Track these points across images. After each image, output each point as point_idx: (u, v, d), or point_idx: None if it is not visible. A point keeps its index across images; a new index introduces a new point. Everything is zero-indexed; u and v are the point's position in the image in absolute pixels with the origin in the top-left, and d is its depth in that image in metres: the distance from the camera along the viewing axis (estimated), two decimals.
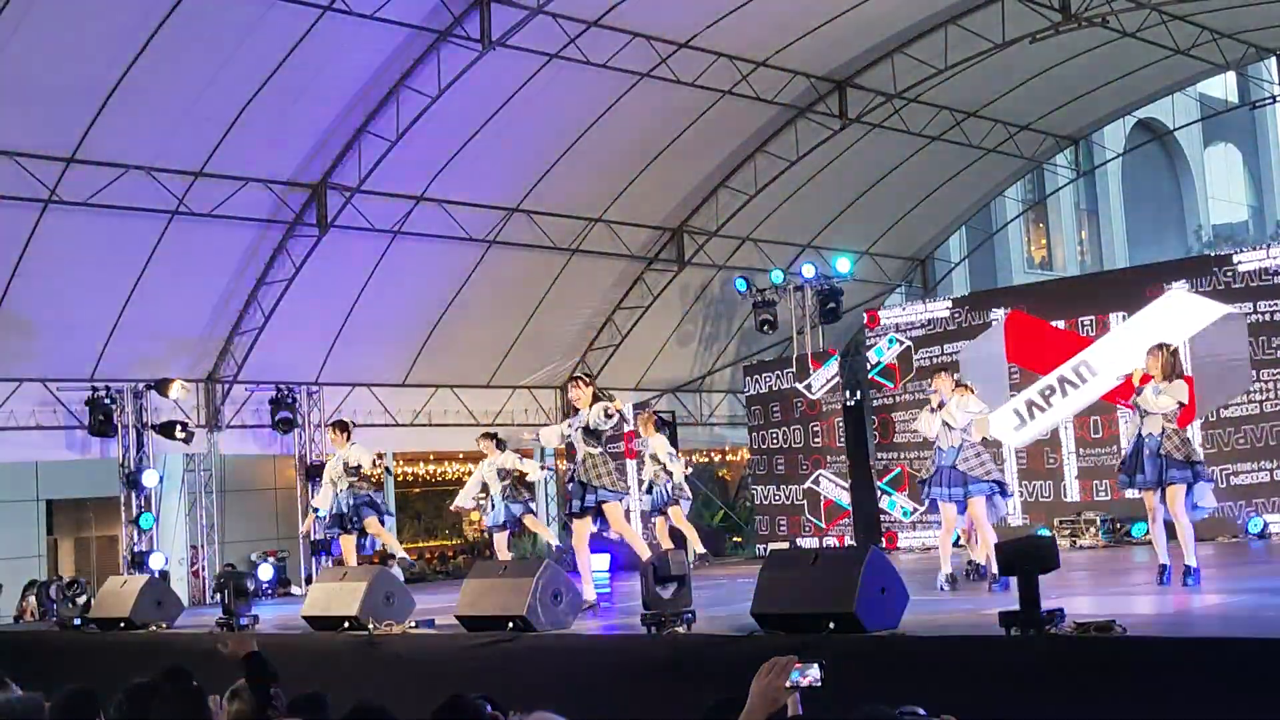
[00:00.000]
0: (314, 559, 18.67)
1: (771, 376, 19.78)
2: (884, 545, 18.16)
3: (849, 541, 18.28)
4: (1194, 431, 16.02)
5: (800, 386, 19.23)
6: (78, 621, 13.18)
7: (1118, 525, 16.80)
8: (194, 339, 17.94)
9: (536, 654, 8.89)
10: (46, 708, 5.15)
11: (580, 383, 11.63)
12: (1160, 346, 10.30)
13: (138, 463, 17.56)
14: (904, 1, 17.79)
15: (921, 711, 3.58)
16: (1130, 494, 10.73)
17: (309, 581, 16.67)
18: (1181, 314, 16.52)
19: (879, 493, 19.14)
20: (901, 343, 19.04)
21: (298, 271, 17.46)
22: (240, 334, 18.07)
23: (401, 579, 12.37)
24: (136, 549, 17.46)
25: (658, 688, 7.94)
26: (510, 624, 9.26)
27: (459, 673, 8.79)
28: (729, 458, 25.20)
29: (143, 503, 17.64)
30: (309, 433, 18.92)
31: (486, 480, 14.54)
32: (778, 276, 20.38)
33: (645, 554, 12.15)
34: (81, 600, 13.84)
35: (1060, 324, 17.63)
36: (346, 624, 10.45)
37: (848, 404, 19.35)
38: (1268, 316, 16.10)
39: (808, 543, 18.49)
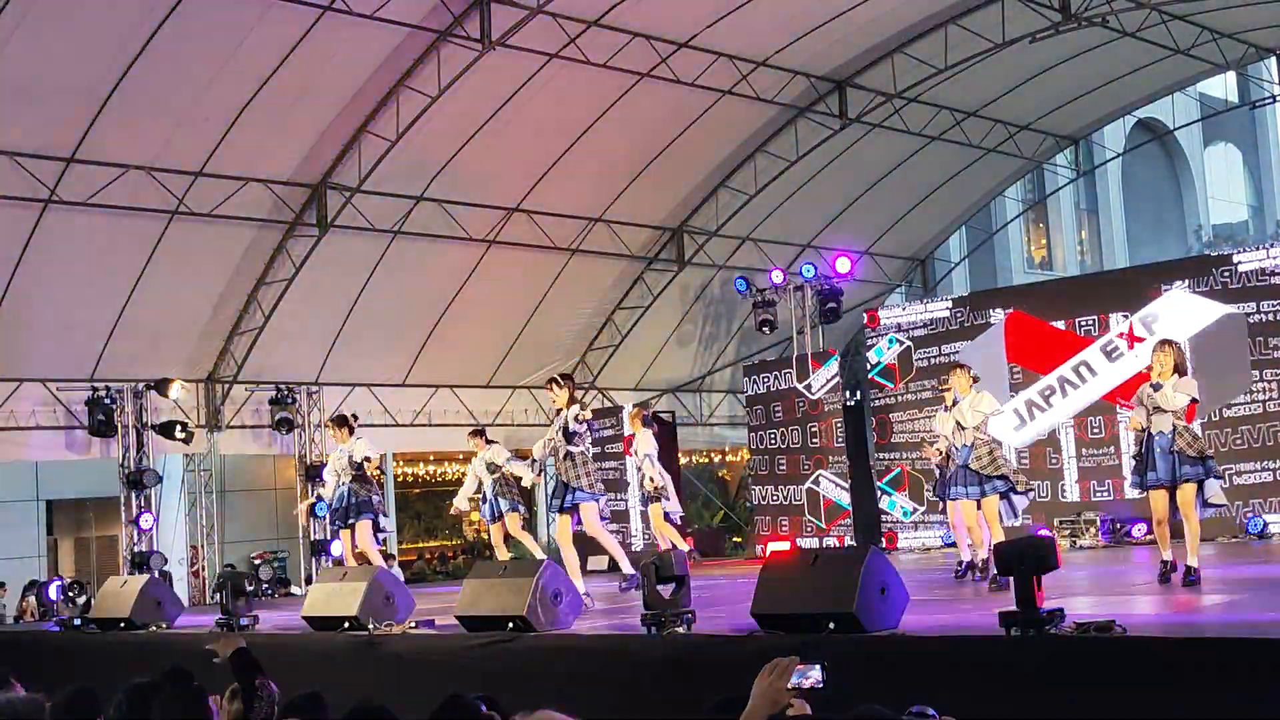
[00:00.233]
0: (314, 559, 18.68)
1: (771, 377, 19.77)
2: (884, 545, 18.17)
3: (849, 541, 18.27)
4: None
5: (800, 387, 19.22)
6: (78, 621, 13.17)
7: (1118, 525, 16.80)
8: (194, 339, 17.95)
9: (536, 654, 8.88)
10: (48, 708, 5.15)
11: (555, 384, 11.80)
12: (1168, 343, 10.28)
13: (138, 463, 17.56)
14: (904, 1, 17.79)
15: (932, 712, 3.58)
16: (1132, 494, 10.72)
17: (309, 581, 16.68)
18: (1181, 314, 16.52)
19: (879, 493, 19.14)
20: (901, 343, 19.04)
21: (297, 271, 17.47)
22: (240, 334, 18.08)
23: (401, 578, 12.38)
24: (136, 549, 17.46)
25: (658, 688, 7.94)
26: (510, 624, 9.25)
27: (459, 673, 8.79)
28: (729, 458, 25.20)
29: (142, 502, 17.64)
30: (309, 433, 18.92)
31: (479, 476, 14.55)
32: (778, 276, 20.38)
33: (617, 557, 12.21)
34: (81, 600, 13.83)
35: (1060, 324, 17.63)
36: (346, 624, 10.44)
37: (848, 404, 19.36)
38: (1268, 316, 16.10)
39: (808, 543, 18.48)
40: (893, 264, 24.23)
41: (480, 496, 14.57)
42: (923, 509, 18.31)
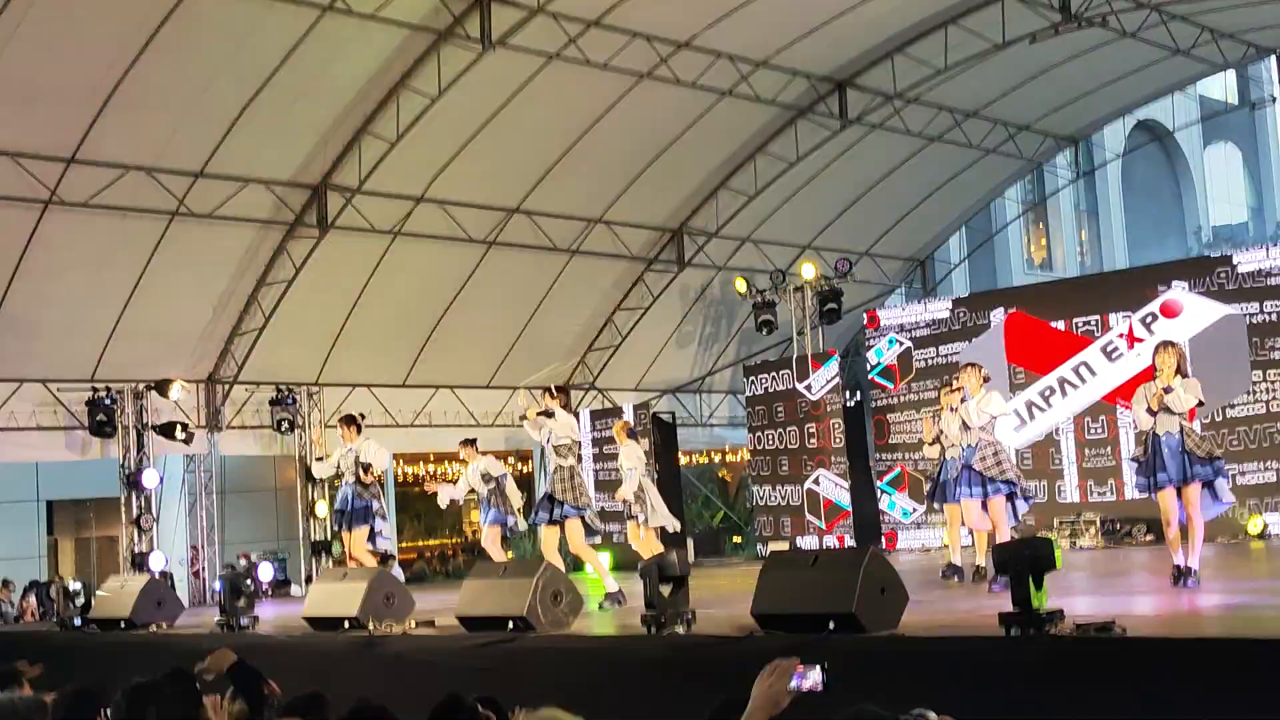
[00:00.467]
0: (314, 559, 18.69)
1: (771, 377, 19.77)
2: (884, 545, 18.17)
3: (849, 541, 18.27)
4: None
5: (800, 387, 19.22)
6: (78, 621, 13.18)
7: (1118, 525, 16.81)
8: (194, 339, 17.95)
9: (536, 654, 8.88)
10: (50, 708, 5.15)
11: (549, 395, 11.86)
12: (1169, 344, 10.29)
13: (138, 463, 17.56)
14: (904, 1, 17.78)
15: (931, 715, 3.58)
16: (1132, 495, 10.71)
17: (309, 581, 16.69)
18: (1185, 313, 16.54)
19: (879, 493, 19.14)
20: (901, 343, 19.04)
21: (298, 272, 17.47)
22: (240, 334, 18.08)
23: (401, 578, 12.39)
24: (136, 549, 17.46)
25: (658, 688, 7.94)
26: (510, 624, 9.25)
27: (459, 673, 8.79)
28: (729, 458, 25.19)
29: (143, 503, 17.64)
30: (309, 433, 18.91)
31: (472, 485, 14.53)
32: (778, 277, 20.38)
33: (601, 573, 12.15)
34: (81, 600, 13.83)
35: (1060, 324, 17.63)
36: (346, 624, 10.45)
37: (848, 404, 19.35)
38: (1268, 316, 16.11)
39: (808, 543, 18.49)
40: (893, 264, 24.23)
41: (475, 499, 14.58)
42: (922, 509, 18.29)
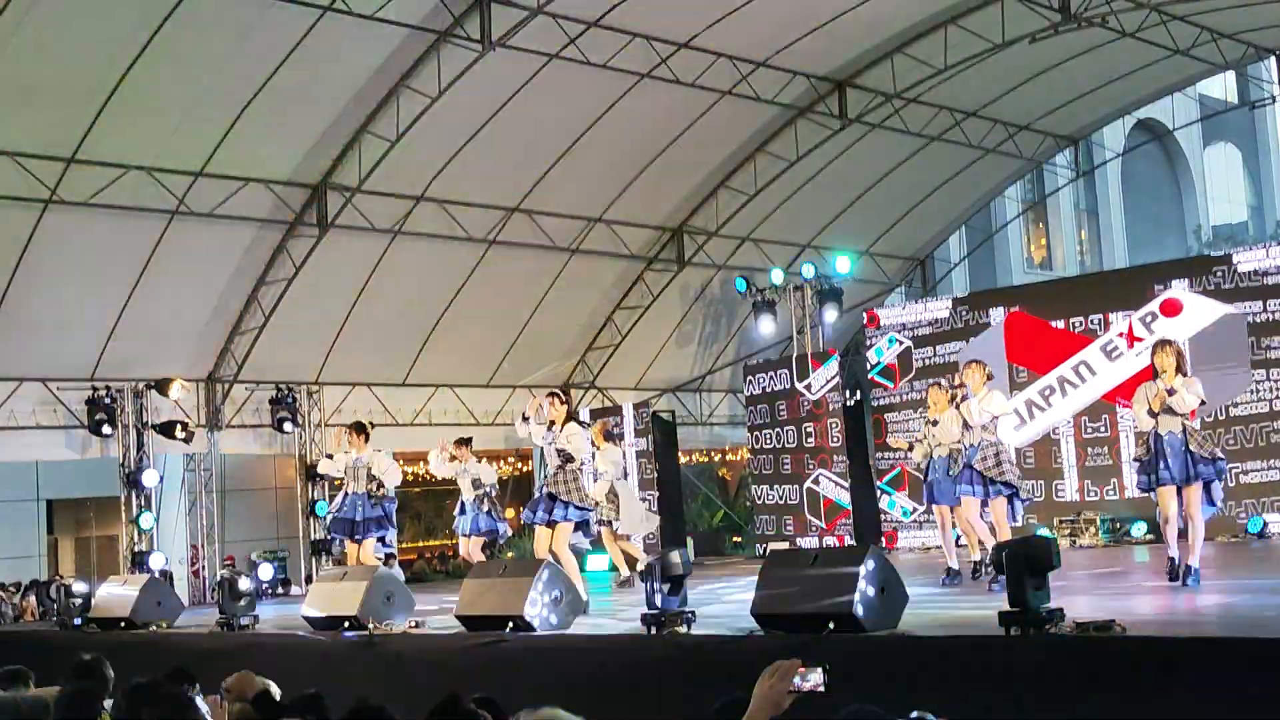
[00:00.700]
0: (314, 559, 18.69)
1: (771, 377, 19.78)
2: (884, 545, 18.16)
3: (849, 541, 18.27)
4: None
5: (800, 386, 19.23)
6: (78, 621, 13.18)
7: (1118, 525, 16.81)
8: (194, 339, 17.95)
9: (536, 654, 8.89)
10: (51, 708, 5.15)
11: (557, 399, 11.82)
12: (1168, 342, 10.28)
13: (138, 462, 17.56)
14: (904, 1, 17.78)
15: (931, 718, 3.58)
16: (1133, 494, 10.71)
17: (309, 581, 16.69)
18: (1181, 313, 16.54)
19: (879, 492, 19.14)
20: (901, 343, 19.04)
21: (298, 271, 17.46)
22: (240, 334, 18.07)
23: (401, 578, 12.39)
24: (137, 549, 17.46)
25: (658, 688, 7.94)
26: (510, 624, 9.26)
27: (459, 673, 8.79)
28: (729, 458, 25.20)
29: (143, 502, 17.64)
30: (309, 433, 18.92)
31: (460, 485, 14.48)
32: (778, 276, 20.38)
33: (575, 580, 11.98)
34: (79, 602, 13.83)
35: (1060, 324, 17.64)
36: (346, 624, 10.46)
37: (848, 404, 19.35)
38: (1271, 315, 16.11)
39: (808, 543, 18.49)
40: (893, 264, 24.22)
41: (458, 508, 14.53)
42: (922, 509, 18.30)
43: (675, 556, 8.75)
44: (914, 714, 3.59)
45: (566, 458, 11.41)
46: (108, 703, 5.24)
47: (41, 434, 17.05)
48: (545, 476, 11.74)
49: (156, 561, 17.25)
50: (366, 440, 13.58)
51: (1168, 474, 9.90)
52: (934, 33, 18.47)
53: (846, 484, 18.80)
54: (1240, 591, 10.16)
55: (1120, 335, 17.13)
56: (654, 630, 8.50)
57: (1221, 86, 31.27)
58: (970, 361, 11.75)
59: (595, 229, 20.08)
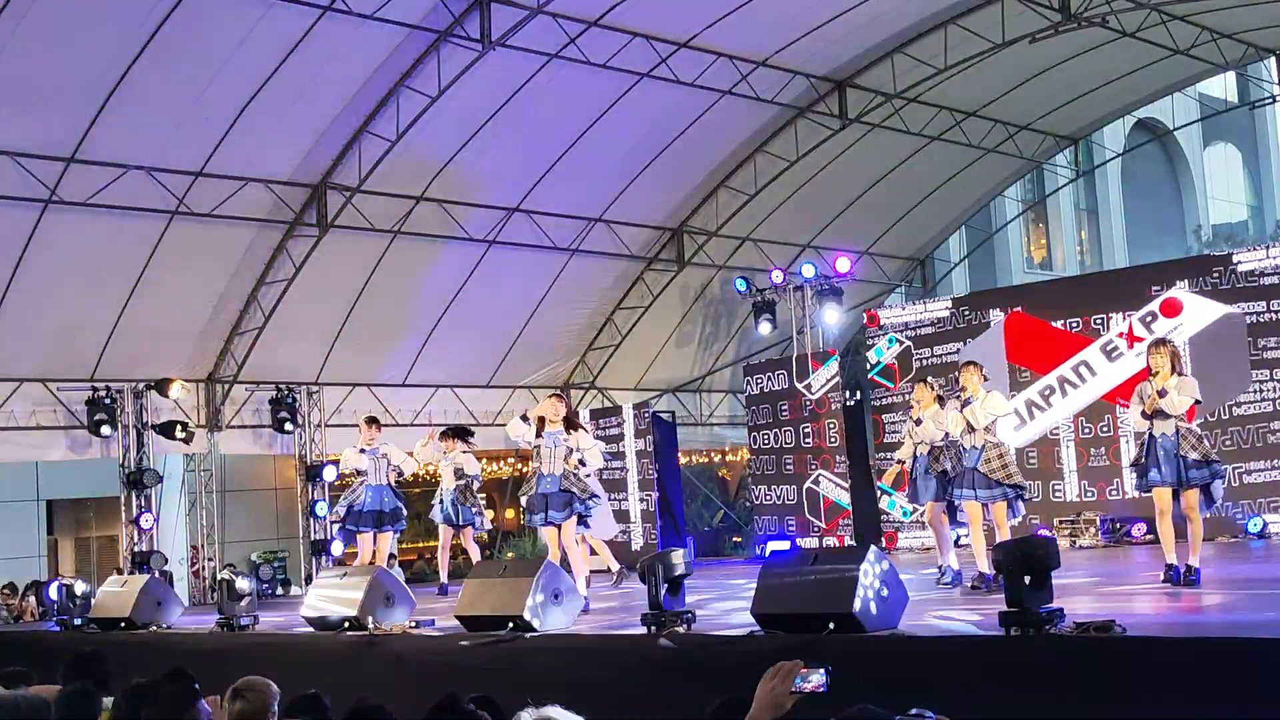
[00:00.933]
0: (314, 559, 18.68)
1: (771, 377, 19.77)
2: (884, 545, 18.15)
3: (849, 541, 18.26)
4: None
5: (800, 386, 19.22)
6: (78, 621, 13.18)
7: (1118, 525, 16.81)
8: (194, 339, 17.94)
9: (536, 654, 8.89)
10: (52, 707, 5.16)
11: (560, 400, 11.95)
12: (1163, 342, 10.25)
13: (138, 463, 17.56)
14: (904, 1, 17.79)
15: (930, 715, 3.59)
16: (1133, 494, 10.69)
17: (309, 581, 16.69)
18: (1182, 313, 16.54)
19: (879, 493, 19.13)
20: (901, 343, 19.04)
21: (298, 271, 17.45)
22: (240, 334, 18.07)
23: (401, 578, 12.41)
24: (136, 549, 17.46)
25: (658, 688, 7.94)
26: (510, 624, 9.25)
27: (459, 673, 8.79)
28: (729, 458, 25.20)
29: (143, 502, 17.64)
30: (309, 433, 18.92)
31: (441, 473, 14.57)
32: (778, 276, 20.38)
33: (578, 575, 12.06)
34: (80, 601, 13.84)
35: (1060, 324, 17.64)
36: (346, 624, 10.45)
37: (848, 404, 19.34)
38: (1274, 315, 16.11)
39: (808, 543, 18.48)
40: (893, 264, 24.23)
41: (438, 499, 14.62)
42: (922, 509, 18.28)
43: (676, 557, 8.75)
44: (912, 711, 3.59)
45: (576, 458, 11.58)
46: (107, 701, 5.24)
47: (41, 434, 17.04)
48: (540, 477, 11.75)
49: (156, 562, 17.24)
50: (379, 429, 13.90)
51: (1158, 476, 9.87)
52: (934, 33, 18.48)
53: (846, 484, 18.79)
54: (1240, 591, 10.16)
55: (1120, 335, 17.12)
56: (654, 630, 8.50)
57: (1221, 86, 31.25)
58: (966, 364, 11.63)
59: (595, 229, 20.08)
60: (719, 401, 23.87)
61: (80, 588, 13.56)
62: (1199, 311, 16.48)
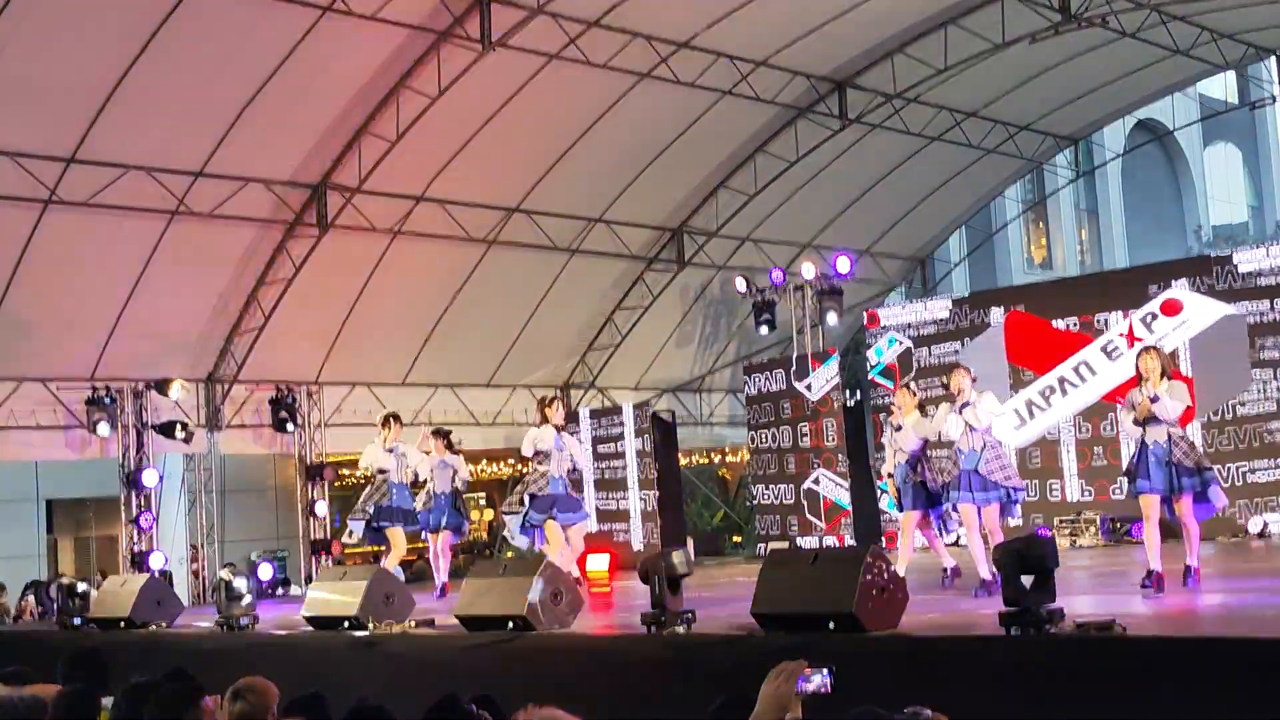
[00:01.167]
0: (314, 559, 18.68)
1: (771, 377, 19.77)
2: (884, 545, 18.15)
3: (849, 541, 18.27)
4: (1195, 431, 16.04)
5: (800, 386, 19.23)
6: (78, 621, 13.18)
7: (1118, 525, 16.81)
8: (194, 339, 17.93)
9: (536, 654, 8.88)
10: (49, 707, 5.15)
11: (559, 403, 12.15)
12: (1152, 349, 10.23)
13: (137, 462, 17.55)
14: (904, 1, 17.78)
15: (926, 712, 3.59)
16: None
17: (309, 581, 16.68)
18: (1182, 313, 16.54)
19: (879, 492, 19.13)
20: (901, 343, 19.04)
21: (298, 271, 17.45)
22: (240, 334, 18.06)
23: (401, 578, 12.43)
24: (136, 549, 17.46)
25: (658, 688, 7.94)
26: (510, 624, 9.25)
27: (459, 673, 8.79)
28: (729, 458, 25.20)
29: (142, 502, 17.64)
30: (309, 433, 18.91)
31: (432, 477, 14.57)
32: (778, 276, 20.38)
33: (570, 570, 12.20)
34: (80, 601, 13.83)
35: (1060, 324, 17.64)
36: (346, 624, 10.45)
37: (848, 404, 19.35)
38: (1268, 317, 16.11)
39: (808, 543, 18.48)
40: (893, 264, 24.22)
41: (428, 500, 14.56)
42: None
43: (676, 557, 8.75)
44: (908, 709, 3.60)
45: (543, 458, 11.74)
46: (107, 701, 5.24)
47: (41, 434, 17.04)
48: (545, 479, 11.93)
49: (156, 561, 17.24)
50: (401, 427, 14.08)
51: (1147, 484, 9.81)
52: (934, 33, 18.47)
53: (846, 484, 18.80)
54: (1240, 591, 10.16)
55: (1120, 335, 17.13)
56: (654, 630, 8.50)
57: (1222, 86, 31.27)
58: (954, 366, 11.54)
59: (595, 229, 20.08)
60: (719, 401, 23.87)
61: (82, 589, 13.55)
62: (1199, 311, 16.48)
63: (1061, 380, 17.56)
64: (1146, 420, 9.83)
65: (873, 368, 19.42)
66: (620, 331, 21.86)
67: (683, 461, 22.13)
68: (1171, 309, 16.56)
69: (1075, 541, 16.71)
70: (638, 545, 19.54)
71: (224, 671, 5.79)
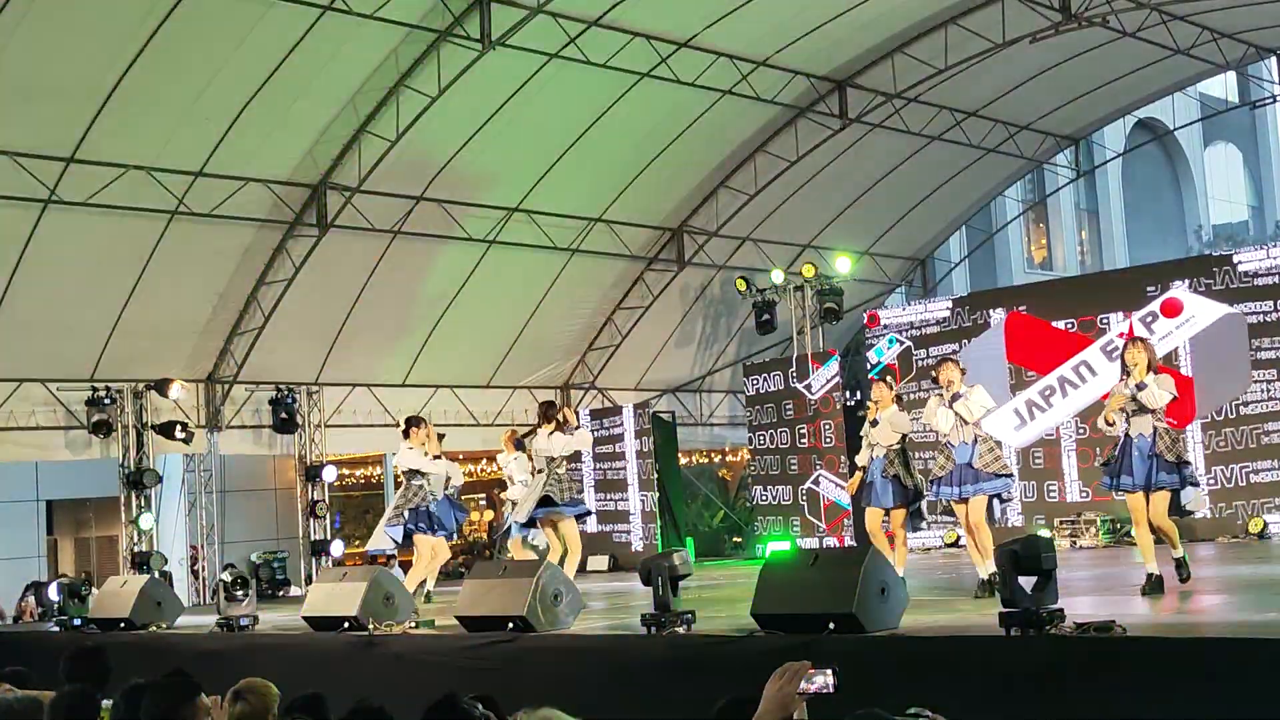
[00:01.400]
0: (314, 559, 18.67)
1: (771, 377, 19.77)
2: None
3: (849, 542, 18.26)
4: (1195, 431, 16.04)
5: (800, 386, 19.23)
6: (78, 621, 13.18)
7: (1118, 525, 16.80)
8: (194, 339, 17.93)
9: (536, 654, 8.88)
10: (46, 707, 5.15)
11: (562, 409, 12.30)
12: (1140, 340, 10.18)
13: (137, 463, 17.55)
14: (904, 1, 17.78)
15: (927, 713, 3.59)
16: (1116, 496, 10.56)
17: (309, 582, 16.68)
18: (1182, 313, 16.54)
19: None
20: (901, 343, 19.04)
21: (297, 271, 17.45)
22: (240, 334, 18.06)
23: (402, 578, 12.40)
24: (136, 549, 17.46)
25: (658, 688, 7.94)
26: (510, 624, 9.25)
27: (459, 673, 8.79)
28: (729, 458, 25.20)
29: (142, 502, 17.63)
30: (309, 433, 18.92)
31: (406, 468, 14.29)
32: (778, 276, 20.38)
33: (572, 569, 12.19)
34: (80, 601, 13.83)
35: (1060, 324, 17.63)
36: (346, 624, 10.45)
37: (848, 404, 19.34)
38: (1269, 317, 16.11)
39: (808, 543, 18.48)
40: (893, 264, 24.22)
41: (423, 504, 14.27)
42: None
43: (676, 557, 8.75)
44: (911, 710, 3.59)
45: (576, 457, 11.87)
46: (106, 702, 5.24)
47: (41, 434, 17.04)
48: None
49: (156, 562, 17.23)
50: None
51: (1129, 480, 9.73)
52: (934, 33, 18.47)
53: (846, 484, 18.77)
54: (1240, 591, 10.15)
55: (1120, 335, 17.11)
56: (654, 630, 8.50)
57: (1222, 86, 31.27)
58: (943, 360, 11.42)
59: (595, 229, 20.08)
60: (719, 401, 23.86)
61: (84, 591, 13.55)
62: (1199, 311, 16.47)
63: (1062, 380, 17.56)
64: (1133, 411, 9.75)
65: (873, 368, 19.40)
66: (620, 331, 21.85)
67: (683, 461, 22.13)
68: (1171, 309, 16.56)
69: (1075, 542, 16.70)
70: (637, 545, 19.54)
71: (224, 672, 5.79)
